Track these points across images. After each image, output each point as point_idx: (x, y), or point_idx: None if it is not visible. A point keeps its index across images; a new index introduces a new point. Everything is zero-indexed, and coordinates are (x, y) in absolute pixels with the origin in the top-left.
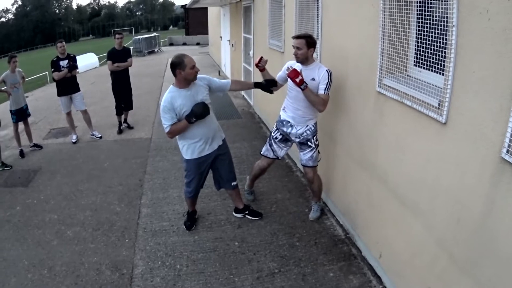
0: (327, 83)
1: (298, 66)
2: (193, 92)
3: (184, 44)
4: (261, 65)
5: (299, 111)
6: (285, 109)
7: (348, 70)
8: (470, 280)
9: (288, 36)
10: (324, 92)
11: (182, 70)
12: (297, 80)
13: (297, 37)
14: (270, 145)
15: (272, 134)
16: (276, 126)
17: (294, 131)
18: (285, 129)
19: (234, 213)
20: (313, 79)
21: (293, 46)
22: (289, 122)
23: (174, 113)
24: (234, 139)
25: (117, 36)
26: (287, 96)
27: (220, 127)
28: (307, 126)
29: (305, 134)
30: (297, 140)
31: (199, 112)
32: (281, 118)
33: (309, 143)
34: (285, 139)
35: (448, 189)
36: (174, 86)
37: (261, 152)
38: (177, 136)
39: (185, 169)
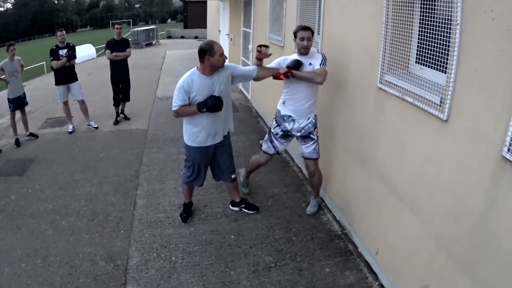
0: (322, 59)
1: (294, 56)
2: (214, 81)
3: (182, 37)
4: (260, 53)
5: (302, 104)
6: (285, 103)
7: (349, 65)
8: (469, 277)
9: (289, 31)
10: (320, 67)
11: (211, 56)
12: (282, 75)
13: (307, 28)
14: (271, 141)
15: (272, 130)
16: (276, 122)
17: (296, 125)
18: (286, 124)
19: (230, 206)
20: (310, 63)
21: (302, 37)
22: (290, 116)
23: (187, 95)
24: (231, 133)
25: (116, 26)
26: (286, 90)
27: (231, 119)
28: (309, 119)
29: (307, 127)
30: (299, 134)
31: (212, 105)
32: (282, 114)
33: (312, 136)
34: (286, 134)
35: (448, 186)
36: (198, 70)
37: (262, 149)
38: (183, 118)
39: (186, 153)
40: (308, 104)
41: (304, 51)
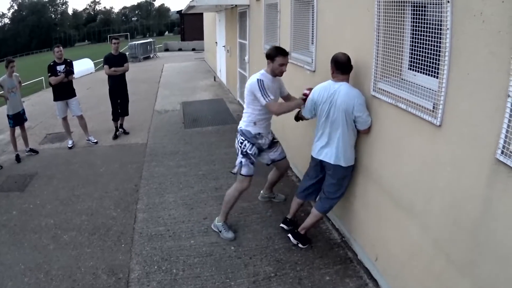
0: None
1: (269, 78)
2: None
3: (180, 49)
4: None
5: (270, 123)
6: (256, 124)
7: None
8: (468, 280)
9: (283, 42)
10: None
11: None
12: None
13: (287, 53)
14: (252, 163)
15: (249, 152)
16: (249, 143)
17: (266, 141)
18: (260, 141)
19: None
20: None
21: (284, 64)
22: (260, 133)
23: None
24: (230, 144)
25: (113, 41)
26: (259, 112)
27: None
28: (271, 131)
29: (271, 137)
30: (267, 145)
31: None
32: (253, 133)
33: (275, 140)
34: (260, 150)
35: (443, 190)
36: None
37: (244, 173)
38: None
39: (345, 181)
40: (271, 121)
41: (280, 75)
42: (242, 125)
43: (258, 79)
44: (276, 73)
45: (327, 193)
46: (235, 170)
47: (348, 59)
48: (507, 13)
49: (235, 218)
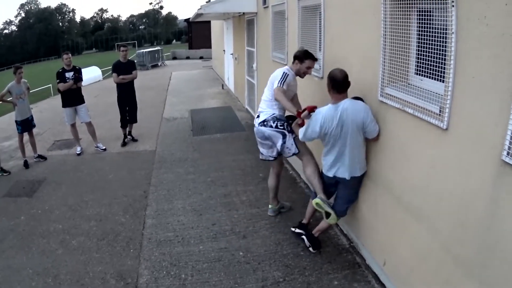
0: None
1: (292, 74)
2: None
3: (188, 58)
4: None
5: None
6: (285, 112)
7: (350, 80)
8: (477, 282)
9: (291, 49)
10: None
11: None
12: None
13: (316, 59)
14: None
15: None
16: (287, 123)
17: None
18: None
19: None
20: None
21: (311, 67)
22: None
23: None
24: (239, 151)
25: (122, 48)
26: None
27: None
28: None
29: None
30: None
31: None
32: (285, 116)
33: None
34: None
35: (451, 193)
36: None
37: (300, 147)
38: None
39: (358, 190)
40: None
41: (303, 77)
42: (276, 112)
43: (285, 72)
44: (300, 73)
45: (343, 199)
46: (291, 152)
47: (345, 76)
48: (511, 16)
49: (244, 224)
